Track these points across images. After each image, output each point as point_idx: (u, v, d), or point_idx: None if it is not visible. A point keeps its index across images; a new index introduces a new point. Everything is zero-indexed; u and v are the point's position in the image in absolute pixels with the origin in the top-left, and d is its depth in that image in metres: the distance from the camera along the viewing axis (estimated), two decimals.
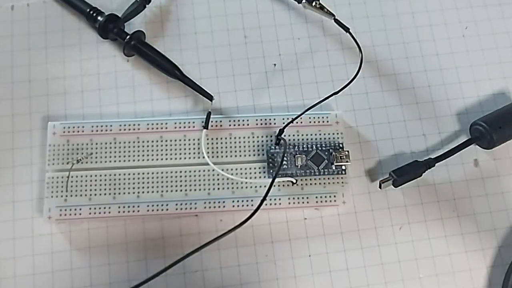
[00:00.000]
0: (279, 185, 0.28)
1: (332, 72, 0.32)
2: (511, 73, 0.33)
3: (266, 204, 0.27)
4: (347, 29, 0.31)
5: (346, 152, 0.28)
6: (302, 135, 0.29)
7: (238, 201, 0.28)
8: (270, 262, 0.28)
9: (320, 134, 0.29)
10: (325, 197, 0.28)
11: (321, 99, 0.29)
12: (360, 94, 0.32)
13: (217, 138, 0.29)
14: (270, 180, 0.26)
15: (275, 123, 0.29)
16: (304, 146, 0.29)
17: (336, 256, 0.29)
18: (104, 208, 0.27)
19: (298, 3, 0.32)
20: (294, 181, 0.28)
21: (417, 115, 0.32)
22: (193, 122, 0.29)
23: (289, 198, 0.28)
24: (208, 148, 0.29)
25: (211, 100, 0.30)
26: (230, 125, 0.29)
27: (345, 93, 0.29)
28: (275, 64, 0.32)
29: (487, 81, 0.33)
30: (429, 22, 0.34)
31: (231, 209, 0.28)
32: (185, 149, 0.29)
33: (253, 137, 0.29)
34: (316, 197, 0.28)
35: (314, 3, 0.31)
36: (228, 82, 0.32)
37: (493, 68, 0.33)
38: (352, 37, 0.31)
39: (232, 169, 0.28)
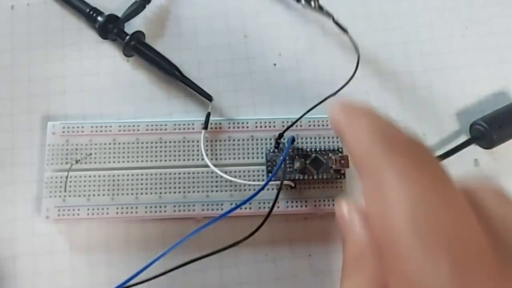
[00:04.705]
0: None
1: (332, 72, 0.32)
2: (511, 73, 0.33)
3: (264, 208, 0.28)
4: (345, 30, 0.31)
5: (345, 157, 0.28)
6: (302, 138, 0.29)
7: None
8: (270, 262, 0.28)
9: (319, 138, 0.29)
10: (324, 201, 0.28)
11: (321, 99, 0.29)
12: (360, 94, 0.31)
13: (216, 140, 0.29)
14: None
15: (274, 126, 0.29)
16: (303, 150, 0.28)
17: (336, 255, 0.29)
18: (102, 209, 0.27)
19: (297, 1, 0.32)
20: (293, 185, 0.28)
21: (417, 115, 0.31)
22: (193, 124, 0.29)
23: (287, 202, 0.28)
24: (207, 150, 0.29)
25: (210, 101, 0.30)
26: (229, 128, 0.29)
27: (345, 94, 0.29)
28: (275, 64, 0.32)
29: (487, 81, 0.32)
30: (429, 21, 0.33)
31: None
32: (184, 150, 0.29)
33: (253, 140, 0.29)
34: (315, 201, 0.28)
35: (313, 4, 0.31)
36: (228, 82, 0.31)
37: (493, 68, 0.33)
38: (350, 38, 0.31)
39: (231, 172, 0.28)
